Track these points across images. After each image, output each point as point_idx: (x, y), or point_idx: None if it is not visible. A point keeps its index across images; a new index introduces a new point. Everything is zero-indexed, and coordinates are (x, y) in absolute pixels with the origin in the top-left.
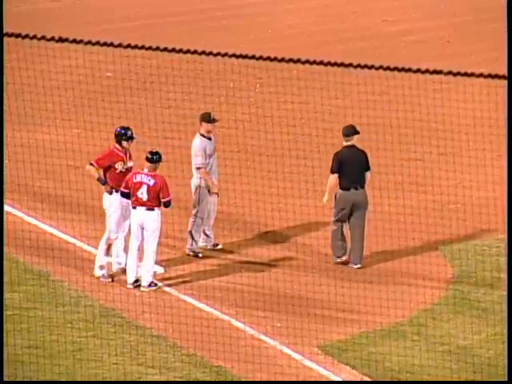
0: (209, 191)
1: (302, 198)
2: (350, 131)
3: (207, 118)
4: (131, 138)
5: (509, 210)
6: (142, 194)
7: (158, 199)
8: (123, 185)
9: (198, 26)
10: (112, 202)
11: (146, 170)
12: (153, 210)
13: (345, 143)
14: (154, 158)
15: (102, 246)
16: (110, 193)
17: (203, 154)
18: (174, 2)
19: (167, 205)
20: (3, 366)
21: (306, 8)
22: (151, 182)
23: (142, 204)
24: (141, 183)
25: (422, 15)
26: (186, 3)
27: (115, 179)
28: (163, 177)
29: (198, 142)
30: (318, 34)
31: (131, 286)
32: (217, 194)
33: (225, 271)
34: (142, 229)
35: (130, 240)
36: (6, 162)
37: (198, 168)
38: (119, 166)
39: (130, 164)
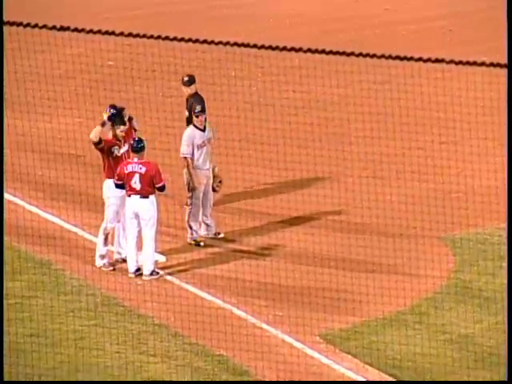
0: (193, 183)
1: (304, 186)
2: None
3: (192, 110)
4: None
5: (509, 201)
6: (136, 183)
7: (151, 186)
8: (116, 177)
9: (199, 15)
10: (111, 194)
11: (135, 159)
12: (147, 197)
13: None
14: (139, 147)
15: (101, 235)
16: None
17: (189, 144)
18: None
19: (162, 189)
20: (3, 366)
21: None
22: (142, 170)
23: (137, 192)
24: (133, 173)
25: (423, 4)
26: None
27: (114, 165)
28: (154, 163)
29: (186, 132)
30: (320, 23)
31: (133, 275)
32: (218, 185)
33: (226, 260)
34: (138, 217)
35: (127, 229)
36: (7, 151)
37: (184, 157)
38: (115, 150)
39: (125, 148)
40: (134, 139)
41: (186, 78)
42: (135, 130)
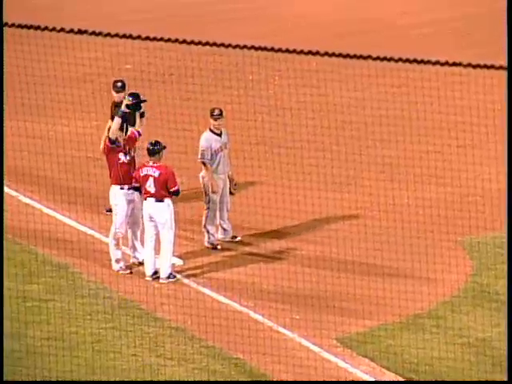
0: (213, 188)
1: (321, 190)
2: None
3: (211, 113)
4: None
5: (509, 203)
6: (150, 186)
7: (166, 190)
8: (134, 179)
9: (213, 18)
10: (118, 201)
11: (150, 163)
12: (162, 201)
13: None
14: (155, 149)
15: (111, 241)
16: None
17: (206, 149)
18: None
19: (175, 194)
20: (3, 366)
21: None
22: (156, 174)
23: (151, 196)
24: (147, 176)
25: (436, 6)
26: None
27: (121, 171)
28: (168, 167)
29: (203, 137)
30: (334, 25)
31: (150, 279)
32: (234, 187)
33: (243, 263)
34: (154, 220)
35: (145, 233)
36: (25, 153)
37: (202, 162)
38: (122, 156)
39: (131, 154)
40: (150, 142)
41: (119, 84)
42: (139, 134)
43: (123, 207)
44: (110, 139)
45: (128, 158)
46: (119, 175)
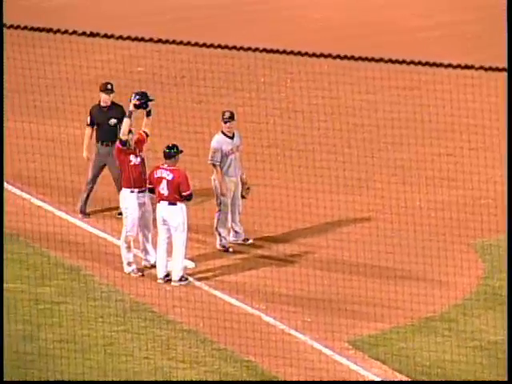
0: (222, 190)
1: (333, 192)
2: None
3: (222, 116)
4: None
5: (509, 206)
6: (163, 189)
7: (178, 193)
8: (148, 180)
9: (224, 20)
10: (129, 205)
11: (165, 165)
12: (175, 204)
13: None
14: (171, 153)
15: (123, 244)
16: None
17: (216, 151)
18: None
19: (188, 198)
20: (3, 366)
21: (332, 1)
22: (170, 177)
23: (164, 199)
24: (161, 178)
25: (447, 9)
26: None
27: (132, 174)
28: (182, 170)
29: (214, 139)
30: (345, 28)
31: (161, 281)
32: (246, 191)
33: (255, 266)
34: (167, 224)
35: (158, 235)
36: (37, 156)
37: (212, 164)
38: (133, 158)
39: (141, 156)
40: (167, 145)
41: (109, 86)
42: (147, 135)
43: (134, 210)
44: (121, 141)
45: (138, 159)
46: (130, 178)
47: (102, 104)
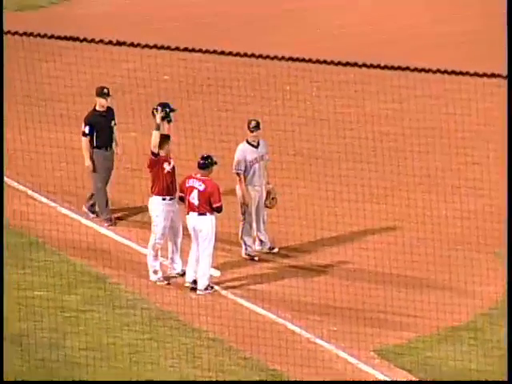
0: (244, 199)
1: (359, 201)
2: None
3: (247, 126)
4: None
5: (509, 215)
6: (194, 198)
7: (209, 205)
8: (179, 188)
9: (248, 28)
10: (160, 212)
11: (198, 175)
12: (205, 214)
13: None
14: (205, 163)
15: (150, 251)
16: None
17: (240, 160)
18: (224, 4)
19: (218, 210)
20: (3, 364)
21: (354, 8)
22: (201, 187)
23: (194, 209)
24: (192, 188)
25: (471, 15)
26: (236, 5)
27: (165, 181)
28: (214, 182)
29: (239, 148)
30: (371, 35)
31: (188, 285)
32: (272, 202)
33: (281, 275)
34: (197, 233)
35: (193, 245)
36: (63, 164)
37: (236, 173)
38: (166, 166)
39: (172, 164)
40: (202, 156)
41: (106, 90)
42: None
43: (164, 218)
44: (153, 153)
45: (171, 166)
46: (163, 186)
47: (100, 109)
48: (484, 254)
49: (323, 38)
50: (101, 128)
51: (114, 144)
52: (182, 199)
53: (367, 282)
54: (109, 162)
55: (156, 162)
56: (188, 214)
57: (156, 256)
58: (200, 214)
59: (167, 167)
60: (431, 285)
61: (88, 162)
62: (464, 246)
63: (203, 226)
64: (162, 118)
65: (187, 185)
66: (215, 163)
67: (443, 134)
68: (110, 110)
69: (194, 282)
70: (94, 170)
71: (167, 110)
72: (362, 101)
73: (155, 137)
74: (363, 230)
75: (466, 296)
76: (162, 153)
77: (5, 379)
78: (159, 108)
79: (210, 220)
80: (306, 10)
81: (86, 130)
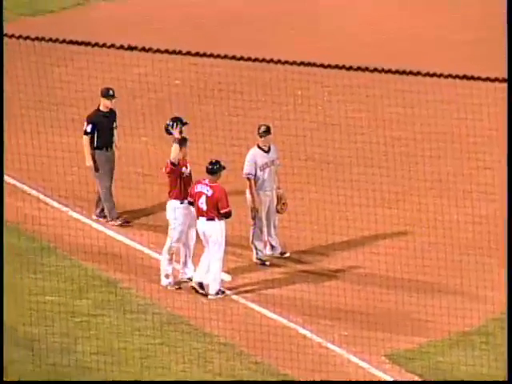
0: (254, 203)
1: (370, 206)
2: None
3: (257, 131)
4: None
5: (509, 219)
6: (202, 203)
7: (217, 210)
8: (189, 194)
9: (259, 34)
10: (178, 216)
11: (206, 180)
12: (213, 220)
13: None
14: (214, 169)
15: (165, 255)
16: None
17: (251, 164)
18: (236, 10)
19: (226, 216)
20: (3, 366)
21: (363, 14)
22: (209, 193)
23: (203, 214)
24: (201, 193)
25: (479, 20)
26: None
27: (183, 185)
28: (222, 187)
29: (249, 153)
30: (380, 40)
31: (194, 285)
32: (283, 207)
33: (292, 279)
34: (206, 238)
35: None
36: (75, 169)
37: (246, 178)
38: (185, 170)
39: (189, 168)
40: (210, 161)
41: (111, 92)
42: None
43: (181, 222)
44: (173, 164)
45: (188, 170)
46: (181, 189)
47: (104, 109)
48: (495, 258)
49: (337, 44)
50: (102, 128)
51: (114, 145)
52: (191, 204)
53: (378, 287)
54: (111, 163)
55: (176, 170)
56: (198, 219)
57: (170, 260)
58: (209, 220)
59: (185, 171)
60: (443, 289)
61: (89, 162)
62: (475, 250)
63: (212, 231)
64: (180, 132)
65: (196, 190)
66: (224, 168)
67: (455, 139)
68: (112, 112)
69: (201, 285)
70: (96, 170)
71: (181, 125)
72: (373, 105)
73: (176, 150)
74: (374, 235)
75: (477, 301)
76: (180, 156)
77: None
78: (174, 124)
79: (218, 225)
80: (317, 15)
81: (89, 128)
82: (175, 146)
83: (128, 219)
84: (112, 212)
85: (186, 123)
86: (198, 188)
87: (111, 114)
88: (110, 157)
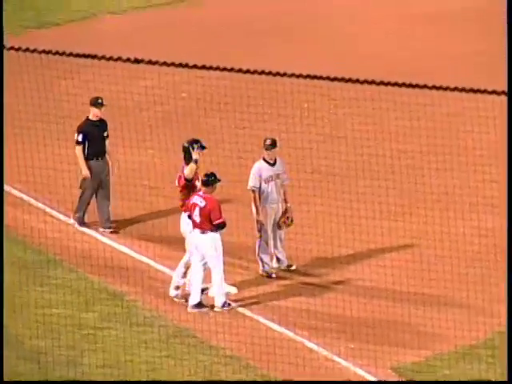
0: (257, 216)
1: (376, 219)
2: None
3: (263, 144)
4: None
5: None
6: (196, 215)
7: (210, 222)
8: (186, 206)
9: (268, 46)
10: (192, 229)
11: (200, 192)
12: (206, 232)
13: None
14: (208, 181)
15: (181, 268)
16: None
17: (255, 177)
18: (240, 24)
19: (219, 227)
20: (3, 367)
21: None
22: (202, 204)
23: (197, 226)
24: (195, 205)
25: (486, 34)
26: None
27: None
28: (214, 199)
29: (254, 166)
30: (388, 53)
31: (193, 309)
32: (286, 218)
33: (298, 292)
34: (200, 251)
35: (192, 262)
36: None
37: (252, 191)
38: (198, 183)
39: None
40: (205, 173)
41: (100, 100)
42: (196, 162)
43: None
44: (187, 180)
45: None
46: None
47: (94, 118)
48: (502, 271)
49: (343, 57)
50: (93, 137)
51: (106, 155)
52: (189, 217)
53: (385, 300)
54: (100, 173)
55: (190, 185)
56: (193, 229)
57: (185, 274)
58: (202, 232)
59: (198, 184)
60: (449, 302)
61: (85, 172)
62: (482, 263)
63: (203, 246)
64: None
65: (191, 202)
66: (219, 181)
67: (461, 152)
68: (103, 121)
69: (199, 304)
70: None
71: (201, 149)
72: (379, 118)
73: (192, 169)
74: (381, 248)
75: (483, 314)
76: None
77: None
78: (195, 146)
79: (211, 239)
80: (321, 26)
81: (79, 138)
82: (191, 166)
83: (88, 225)
84: (79, 211)
85: (205, 147)
86: (193, 200)
87: (102, 124)
88: (101, 166)
